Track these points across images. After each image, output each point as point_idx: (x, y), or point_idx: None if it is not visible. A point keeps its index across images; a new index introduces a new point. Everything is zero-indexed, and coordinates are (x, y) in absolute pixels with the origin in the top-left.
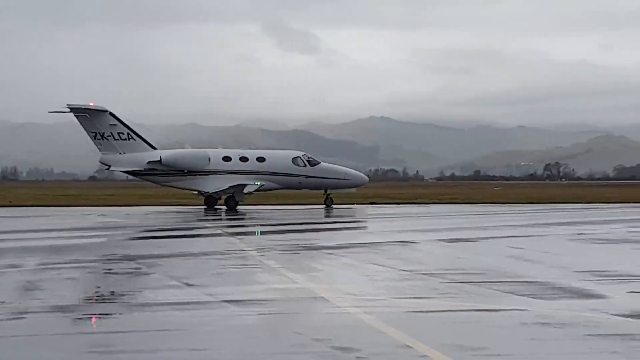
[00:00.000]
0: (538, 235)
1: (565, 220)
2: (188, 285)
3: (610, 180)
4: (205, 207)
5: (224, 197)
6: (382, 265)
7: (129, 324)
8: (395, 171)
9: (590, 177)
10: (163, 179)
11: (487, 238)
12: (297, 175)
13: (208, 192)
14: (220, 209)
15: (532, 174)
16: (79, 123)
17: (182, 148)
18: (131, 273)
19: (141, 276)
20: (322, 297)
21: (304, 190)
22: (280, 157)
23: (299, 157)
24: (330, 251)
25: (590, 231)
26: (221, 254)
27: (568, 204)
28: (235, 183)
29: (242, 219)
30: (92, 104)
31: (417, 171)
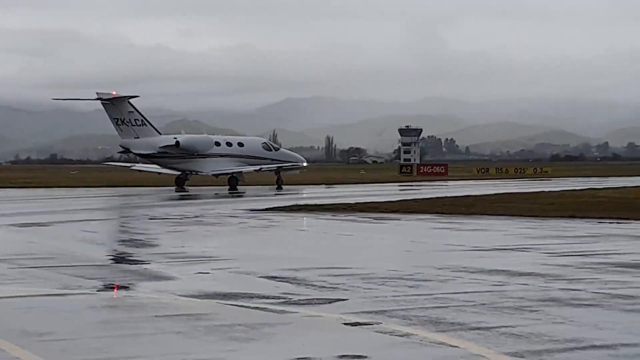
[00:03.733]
0: (114, 219)
1: (139, 203)
2: None
3: None
4: (176, 186)
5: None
6: None
7: None
8: None
9: None
10: (171, 161)
11: (62, 222)
12: (265, 159)
13: (208, 172)
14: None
15: (109, 158)
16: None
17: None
18: None
19: None
20: None
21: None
22: (254, 142)
23: (266, 142)
24: None
25: (164, 214)
26: None
27: (144, 187)
28: (257, 167)
29: None
30: (114, 93)
31: None
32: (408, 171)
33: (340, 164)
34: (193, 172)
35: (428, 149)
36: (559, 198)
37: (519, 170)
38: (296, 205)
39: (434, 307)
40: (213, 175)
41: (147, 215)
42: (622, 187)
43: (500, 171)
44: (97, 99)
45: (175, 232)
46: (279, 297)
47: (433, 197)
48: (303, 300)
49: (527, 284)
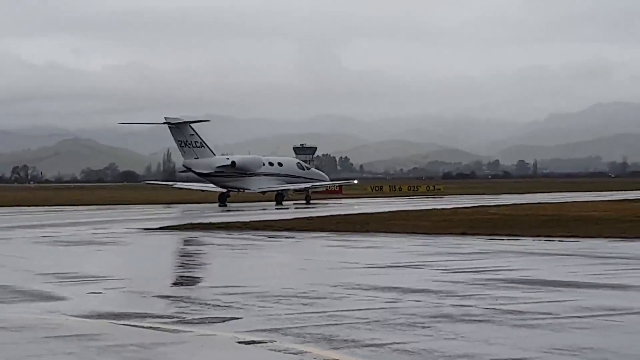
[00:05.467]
0: (2, 239)
1: (30, 223)
2: None
3: (78, 182)
4: (219, 202)
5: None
6: None
7: None
8: None
9: (59, 180)
10: (223, 180)
11: None
12: (299, 177)
13: (256, 190)
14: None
15: (0, 177)
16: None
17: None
18: None
19: None
20: None
21: None
22: (290, 162)
23: (299, 162)
24: None
25: (56, 233)
26: None
27: (35, 207)
28: (308, 185)
29: None
30: (179, 118)
31: None
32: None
33: None
34: (241, 190)
35: (323, 167)
36: (451, 215)
37: (412, 188)
38: (190, 223)
39: (327, 324)
40: (260, 192)
41: (37, 236)
42: (512, 204)
43: (393, 189)
44: (165, 122)
45: (67, 252)
46: (172, 317)
47: (328, 215)
48: (197, 319)
49: (419, 301)
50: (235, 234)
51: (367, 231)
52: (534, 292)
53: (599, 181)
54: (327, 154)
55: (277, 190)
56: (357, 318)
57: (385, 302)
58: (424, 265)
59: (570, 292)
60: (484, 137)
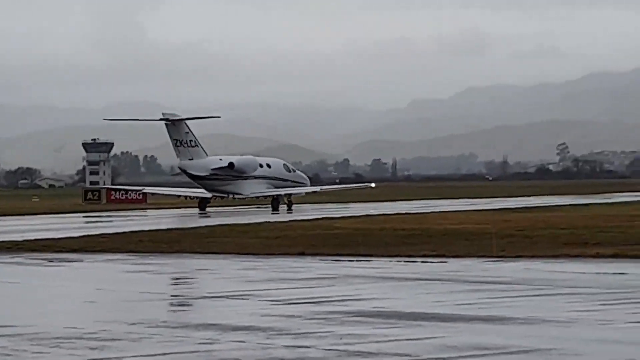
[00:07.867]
0: None
1: None
2: None
3: None
4: (199, 209)
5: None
6: None
7: None
8: None
9: None
10: (217, 183)
11: None
12: (287, 180)
13: (248, 194)
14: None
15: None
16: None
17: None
18: None
19: None
20: None
21: None
22: (277, 163)
23: (286, 163)
24: None
25: None
26: None
27: None
28: (316, 188)
29: None
30: (177, 114)
31: None
32: (95, 198)
33: (6, 188)
34: (231, 195)
35: (122, 169)
36: (285, 230)
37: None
38: None
39: None
40: (253, 197)
41: None
42: (364, 215)
43: (214, 197)
44: (162, 119)
45: None
46: None
47: (127, 231)
48: None
49: (243, 341)
50: (5, 258)
51: (178, 252)
52: (389, 327)
53: (474, 185)
54: (127, 152)
55: (272, 195)
56: None
57: (199, 343)
58: (249, 294)
59: (434, 327)
60: (330, 130)
